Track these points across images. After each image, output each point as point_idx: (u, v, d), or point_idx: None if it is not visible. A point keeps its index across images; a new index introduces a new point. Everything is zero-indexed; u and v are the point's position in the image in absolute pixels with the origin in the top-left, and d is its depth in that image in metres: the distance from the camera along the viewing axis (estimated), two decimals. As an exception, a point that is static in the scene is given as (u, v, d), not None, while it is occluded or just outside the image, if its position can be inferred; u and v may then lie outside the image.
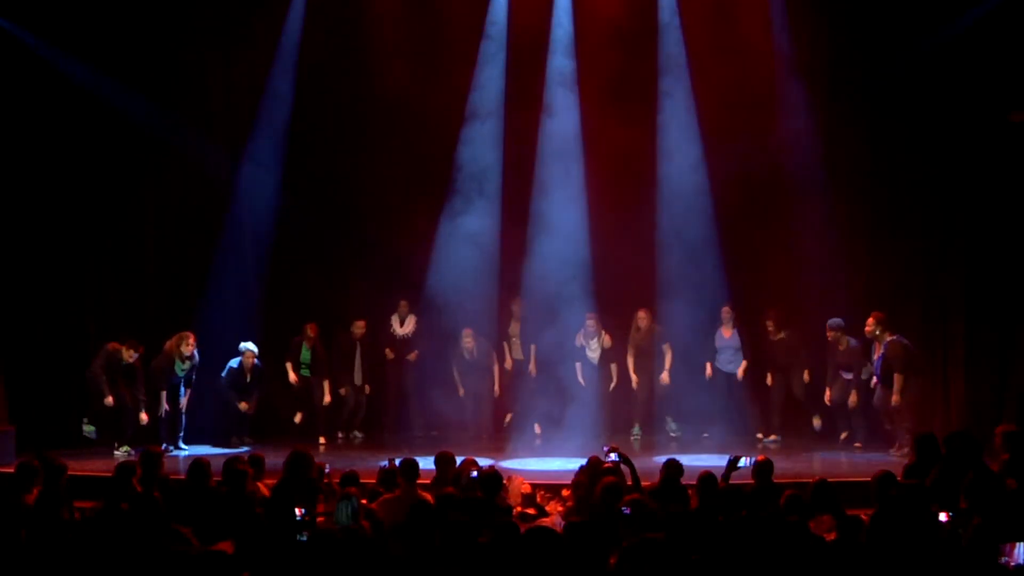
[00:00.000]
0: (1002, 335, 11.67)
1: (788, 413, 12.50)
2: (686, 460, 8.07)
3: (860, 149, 12.39)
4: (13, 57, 12.02)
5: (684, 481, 7.40)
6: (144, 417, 11.60)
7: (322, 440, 12.43)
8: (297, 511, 6.14)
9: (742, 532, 5.44)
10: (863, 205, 12.43)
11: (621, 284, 12.88)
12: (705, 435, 12.36)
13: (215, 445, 11.91)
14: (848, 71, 12.36)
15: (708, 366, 12.53)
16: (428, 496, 6.97)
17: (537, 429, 12.53)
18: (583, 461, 7.87)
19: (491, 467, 7.57)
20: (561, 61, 13.03)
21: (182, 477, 7.63)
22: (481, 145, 12.94)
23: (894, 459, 10.73)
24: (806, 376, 12.19)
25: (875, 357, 11.46)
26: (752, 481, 7.37)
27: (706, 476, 7.04)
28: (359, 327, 12.74)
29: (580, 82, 12.93)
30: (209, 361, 12.13)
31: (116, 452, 11.29)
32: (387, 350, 12.98)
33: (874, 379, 11.53)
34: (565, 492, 7.91)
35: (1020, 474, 7.22)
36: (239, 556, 5.33)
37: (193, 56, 12.82)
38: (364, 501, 6.85)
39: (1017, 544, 5.19)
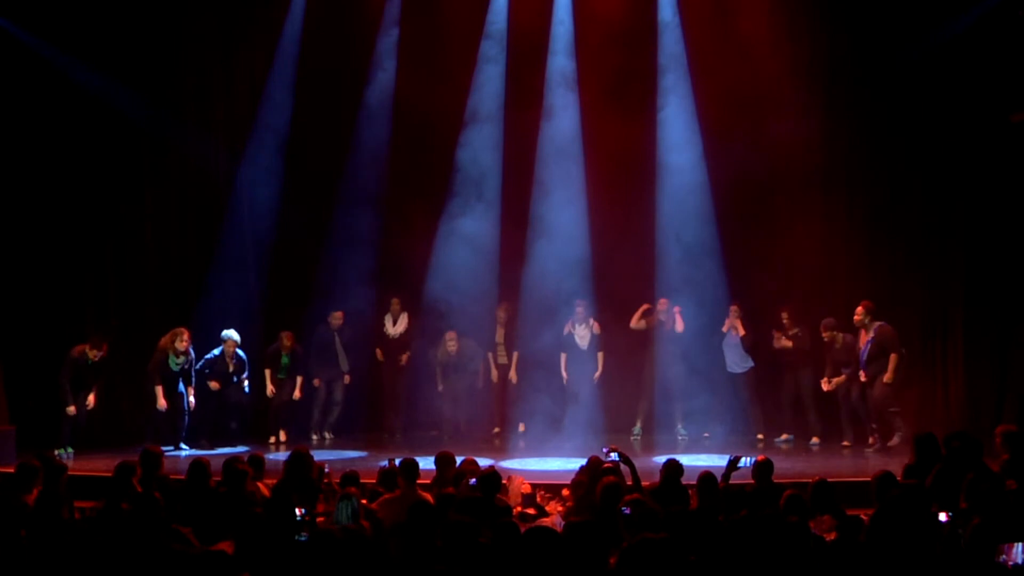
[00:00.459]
0: (1002, 335, 11.68)
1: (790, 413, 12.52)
2: (686, 460, 8.08)
3: (860, 149, 12.41)
4: (13, 57, 12.02)
5: (684, 481, 7.40)
6: (72, 410, 11.35)
7: (283, 438, 12.35)
8: (297, 511, 6.14)
9: (742, 532, 5.43)
10: (863, 205, 12.44)
11: (621, 284, 12.89)
12: (706, 435, 12.36)
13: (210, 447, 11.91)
14: (848, 71, 12.37)
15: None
16: (428, 496, 6.97)
17: (521, 428, 12.54)
18: (583, 461, 7.87)
19: (491, 467, 7.57)
20: (561, 61, 13.04)
21: (182, 477, 7.61)
22: (481, 146, 12.94)
23: (881, 452, 10.92)
24: (826, 383, 11.99)
25: (860, 347, 11.48)
26: (752, 481, 7.36)
27: (706, 476, 7.04)
28: (336, 318, 12.69)
29: (580, 82, 12.94)
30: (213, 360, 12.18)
31: (57, 451, 10.77)
32: (378, 351, 12.96)
33: (861, 373, 11.56)
34: (565, 492, 7.90)
35: (1020, 474, 7.22)
36: (239, 556, 5.32)
37: (194, 56, 12.84)
38: (364, 501, 6.85)
39: (1016, 544, 5.19)
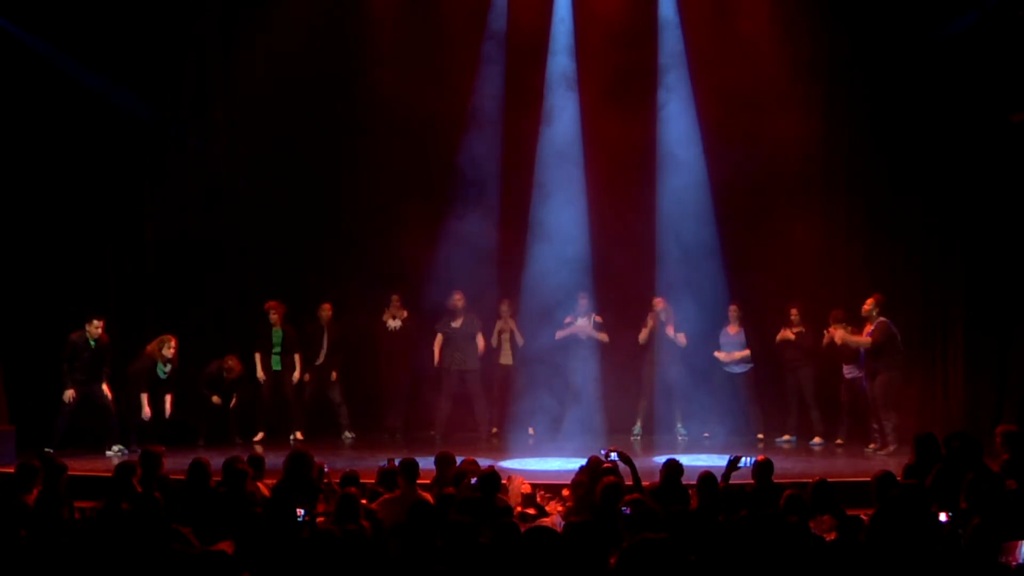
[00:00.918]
0: (1002, 335, 11.68)
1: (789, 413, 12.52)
2: (686, 460, 8.08)
3: (860, 149, 12.41)
4: (13, 57, 12.02)
5: (684, 481, 7.40)
6: (70, 394, 11.29)
7: (299, 436, 12.34)
8: (298, 511, 6.13)
9: (742, 532, 5.43)
10: (863, 205, 12.45)
11: (621, 284, 12.89)
12: (706, 435, 12.36)
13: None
14: (848, 71, 12.37)
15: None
16: (428, 496, 6.96)
17: (531, 431, 12.55)
18: (583, 461, 7.87)
19: (491, 467, 7.57)
20: (561, 61, 13.05)
21: (182, 477, 7.61)
22: (481, 147, 12.93)
23: (873, 455, 10.91)
24: (850, 385, 11.95)
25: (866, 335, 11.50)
26: (752, 481, 7.36)
27: (706, 476, 7.04)
28: (325, 310, 12.63)
29: (580, 82, 12.94)
30: (208, 361, 12.18)
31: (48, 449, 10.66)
32: (380, 346, 12.93)
33: (857, 372, 11.59)
34: (565, 492, 7.90)
35: (1020, 474, 7.22)
36: (239, 556, 5.32)
37: (194, 56, 12.84)
38: (364, 501, 6.84)
39: (1019, 544, 5.19)
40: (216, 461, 7.66)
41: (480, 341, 12.66)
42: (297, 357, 12.48)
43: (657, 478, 7.57)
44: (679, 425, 12.66)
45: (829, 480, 7.01)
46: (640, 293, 12.82)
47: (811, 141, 12.44)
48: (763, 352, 12.52)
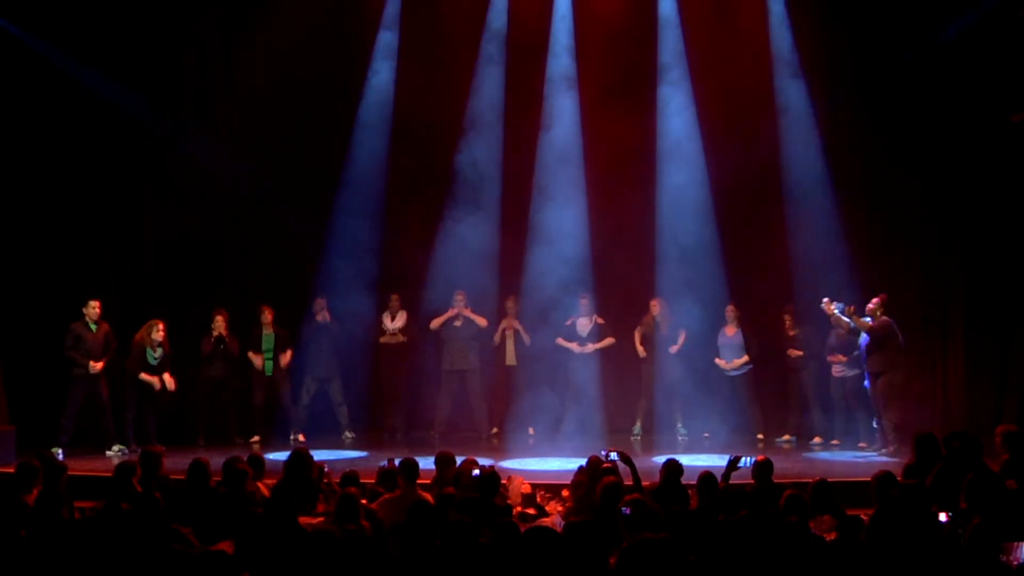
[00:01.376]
0: (1002, 335, 11.69)
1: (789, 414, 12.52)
2: (686, 460, 8.07)
3: (860, 149, 12.40)
4: (13, 57, 12.02)
5: (684, 481, 7.40)
6: (98, 366, 11.37)
7: (301, 439, 12.31)
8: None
9: (742, 532, 5.43)
10: (863, 205, 12.44)
11: (621, 284, 12.89)
12: (706, 435, 12.36)
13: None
14: (848, 71, 12.37)
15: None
16: (428, 496, 6.96)
17: (531, 431, 12.55)
18: (583, 461, 7.87)
19: (491, 467, 7.57)
20: (561, 61, 13.04)
21: (182, 477, 7.61)
22: (481, 147, 12.93)
23: (877, 458, 10.88)
24: (841, 383, 11.96)
25: (862, 340, 11.48)
26: (752, 481, 7.36)
27: (706, 476, 7.03)
28: (319, 305, 12.59)
29: (580, 82, 12.94)
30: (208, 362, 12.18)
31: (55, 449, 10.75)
32: (380, 344, 12.91)
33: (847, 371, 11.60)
34: (565, 492, 7.90)
35: (1020, 474, 7.22)
36: (239, 556, 5.32)
37: (194, 56, 12.84)
38: (364, 501, 6.84)
39: (1020, 544, 5.18)
40: (216, 461, 7.66)
41: (482, 320, 12.65)
42: (289, 352, 12.48)
43: (657, 478, 7.57)
44: (679, 425, 12.66)
45: (829, 480, 7.00)
46: (640, 293, 12.82)
47: (811, 141, 12.44)
48: (763, 352, 12.52)
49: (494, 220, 12.93)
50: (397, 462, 7.55)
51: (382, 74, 13.16)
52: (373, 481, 7.76)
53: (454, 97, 12.97)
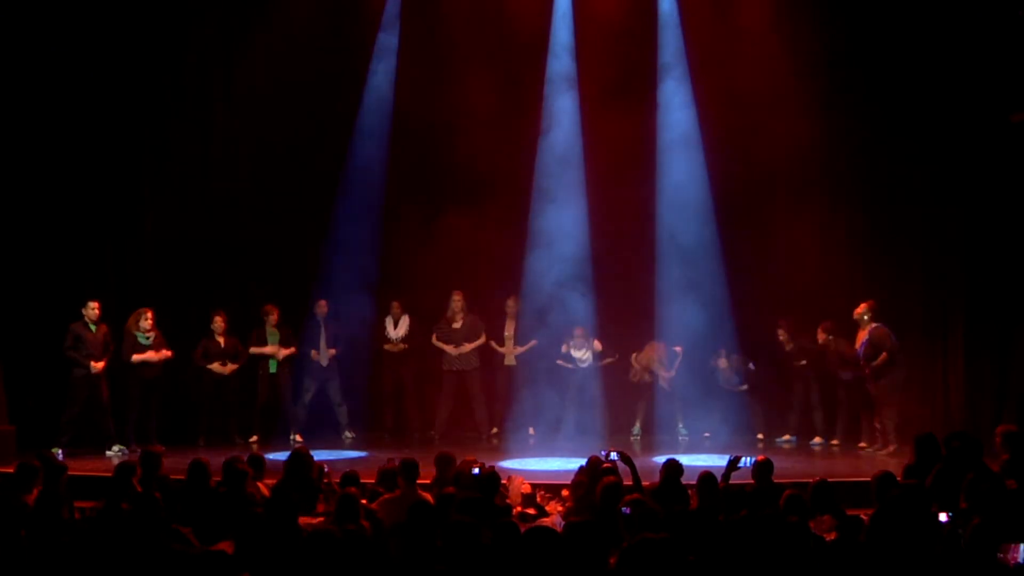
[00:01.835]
0: (1002, 335, 11.68)
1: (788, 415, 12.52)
2: (686, 460, 8.08)
3: (860, 149, 12.41)
4: (13, 56, 12.02)
5: (684, 481, 7.40)
6: (99, 366, 11.39)
7: (299, 439, 12.29)
8: None
9: (742, 532, 5.43)
10: (863, 204, 12.44)
11: (621, 285, 12.89)
12: (706, 435, 12.36)
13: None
14: (848, 71, 12.37)
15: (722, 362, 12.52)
16: (428, 496, 6.96)
17: (531, 431, 12.58)
18: (583, 461, 7.87)
19: (491, 467, 7.57)
20: (561, 61, 13.03)
21: (182, 477, 7.61)
22: (480, 147, 12.91)
23: (874, 455, 10.95)
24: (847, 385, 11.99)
25: (858, 345, 11.48)
26: (752, 481, 7.36)
27: (706, 476, 7.04)
28: (321, 306, 12.62)
29: (580, 82, 12.94)
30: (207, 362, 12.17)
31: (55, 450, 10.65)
32: (384, 349, 12.94)
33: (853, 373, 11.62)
34: (565, 492, 7.90)
35: (1020, 474, 7.22)
36: (239, 556, 5.32)
37: (194, 56, 12.84)
38: (364, 501, 6.84)
39: (1020, 544, 5.18)
40: (216, 461, 7.66)
41: (483, 339, 12.67)
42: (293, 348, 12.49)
43: (657, 478, 7.57)
44: (680, 425, 12.67)
45: (829, 480, 7.00)
46: (640, 293, 12.81)
47: (811, 141, 12.42)
48: (763, 352, 12.51)
49: (494, 220, 12.92)
50: (397, 462, 7.55)
51: (382, 75, 13.16)
52: (373, 481, 7.76)
53: (454, 97, 12.95)
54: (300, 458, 7.75)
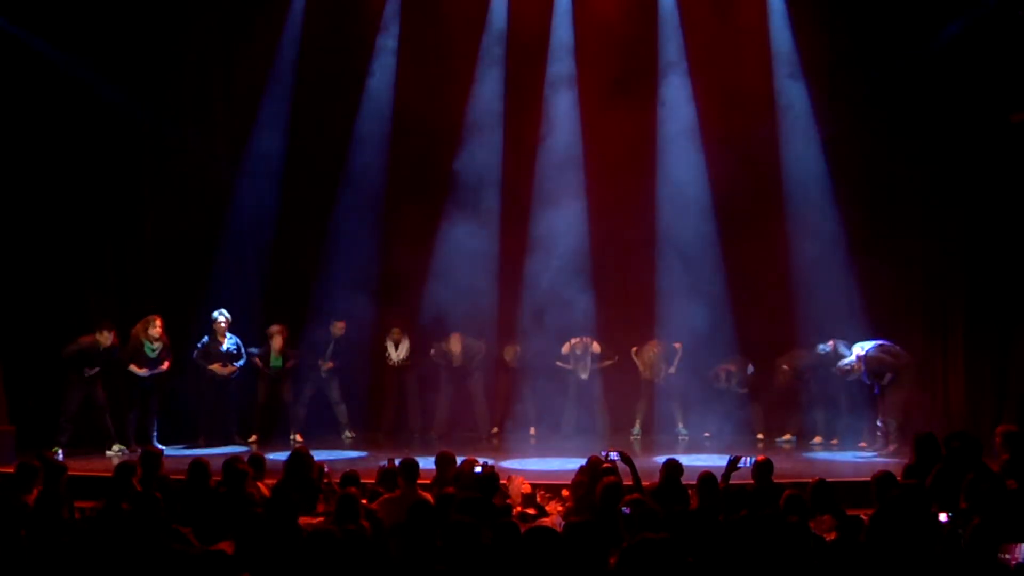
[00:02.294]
0: (1002, 336, 11.68)
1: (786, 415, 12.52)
2: (686, 460, 8.07)
3: (860, 149, 12.41)
4: (13, 56, 12.02)
5: (684, 481, 7.40)
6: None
7: (298, 439, 12.27)
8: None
9: (742, 532, 5.43)
10: (863, 205, 12.44)
11: (621, 285, 12.89)
12: (706, 435, 12.36)
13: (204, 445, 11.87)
14: (848, 72, 12.37)
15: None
16: (428, 496, 6.96)
17: (532, 431, 12.59)
18: (583, 461, 7.87)
19: (491, 467, 7.58)
20: (561, 62, 13.03)
21: (182, 477, 7.61)
22: (481, 149, 12.92)
23: (874, 455, 10.96)
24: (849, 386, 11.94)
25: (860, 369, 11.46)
26: (752, 481, 7.36)
27: (706, 476, 7.04)
28: (338, 328, 12.58)
29: (580, 83, 12.94)
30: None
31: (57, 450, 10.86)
32: (386, 377, 12.98)
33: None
34: (565, 492, 7.90)
35: (1020, 474, 7.22)
36: (239, 556, 5.32)
37: (194, 56, 12.84)
38: (364, 501, 6.84)
39: (1020, 545, 5.18)
40: (216, 461, 7.66)
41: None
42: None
43: (657, 478, 7.57)
44: (680, 425, 12.67)
45: (829, 480, 7.00)
46: (640, 293, 12.81)
47: (811, 141, 12.44)
48: (763, 354, 12.52)
49: (494, 221, 12.93)
50: (397, 462, 7.55)
51: (382, 76, 13.14)
52: (373, 481, 7.76)
53: (454, 98, 12.95)
54: (300, 458, 7.75)
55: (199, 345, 12.08)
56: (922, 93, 11.95)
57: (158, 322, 11.65)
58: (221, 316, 12.08)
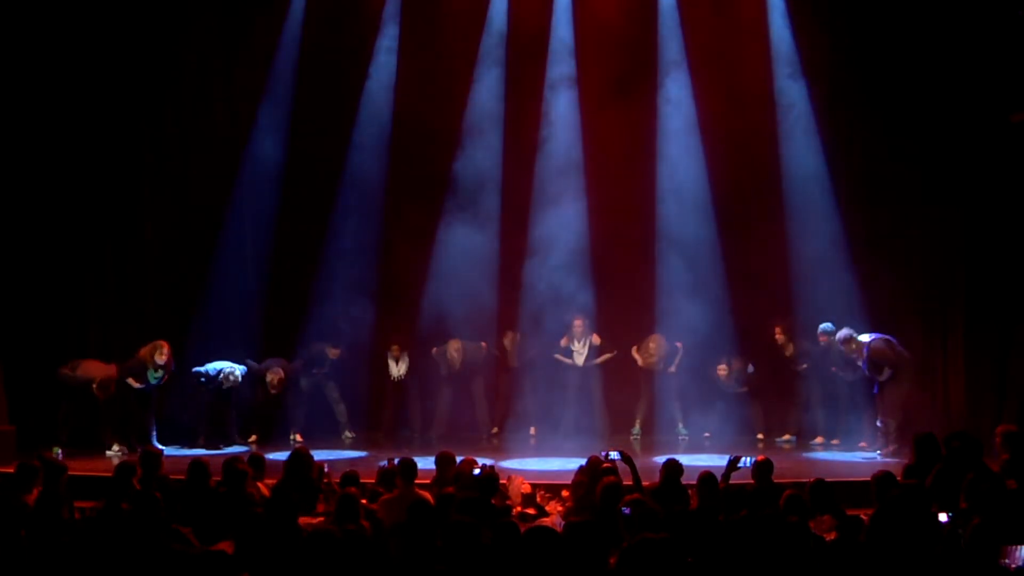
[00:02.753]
0: (1002, 335, 11.67)
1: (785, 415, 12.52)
2: (686, 460, 8.07)
3: (860, 149, 12.40)
4: (13, 57, 12.02)
5: (684, 481, 7.40)
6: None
7: (298, 439, 12.27)
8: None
9: (742, 532, 5.43)
10: (863, 205, 12.43)
11: (621, 285, 12.88)
12: (706, 435, 12.36)
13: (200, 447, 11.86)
14: (848, 71, 12.36)
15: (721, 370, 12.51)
16: (428, 496, 6.96)
17: (532, 431, 12.60)
18: (583, 461, 7.87)
19: (491, 467, 7.58)
20: (561, 62, 13.03)
21: (182, 477, 7.61)
22: (481, 150, 12.91)
23: (874, 455, 10.96)
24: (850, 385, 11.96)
25: (859, 362, 11.45)
26: (752, 481, 7.36)
27: (706, 476, 7.04)
28: (334, 352, 12.52)
29: (580, 83, 12.94)
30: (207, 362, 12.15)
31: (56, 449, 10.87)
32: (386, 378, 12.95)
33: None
34: (565, 492, 7.90)
35: (1020, 474, 7.22)
36: (239, 556, 5.32)
37: (194, 56, 12.84)
38: (364, 501, 6.85)
39: (1020, 547, 5.18)
40: (216, 461, 7.66)
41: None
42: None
43: (657, 478, 7.57)
44: (680, 425, 12.67)
45: (829, 480, 7.00)
46: (640, 293, 12.81)
47: (811, 140, 12.44)
48: (763, 354, 12.51)
49: (494, 222, 12.92)
50: (397, 462, 7.55)
51: (381, 77, 13.13)
52: (373, 481, 7.76)
53: (454, 98, 12.95)
54: (300, 458, 7.75)
55: (209, 373, 11.90)
56: (922, 93, 11.94)
57: (166, 349, 11.56)
58: (233, 375, 11.88)
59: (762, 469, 7.50)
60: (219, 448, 11.61)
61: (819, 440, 12.12)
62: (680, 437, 12.56)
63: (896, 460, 10.06)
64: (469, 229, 12.66)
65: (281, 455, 8.72)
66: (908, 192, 12.19)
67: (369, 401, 13.20)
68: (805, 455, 11.51)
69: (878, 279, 12.04)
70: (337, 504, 6.38)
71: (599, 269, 12.79)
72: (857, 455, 11.33)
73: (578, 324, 12.57)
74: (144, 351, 11.61)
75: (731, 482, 7.27)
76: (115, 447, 11.45)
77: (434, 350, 12.72)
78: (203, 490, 7.28)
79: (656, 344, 12.52)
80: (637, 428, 12.79)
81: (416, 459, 7.57)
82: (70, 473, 7.58)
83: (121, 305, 12.66)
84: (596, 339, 12.67)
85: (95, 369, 11.48)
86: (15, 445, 10.80)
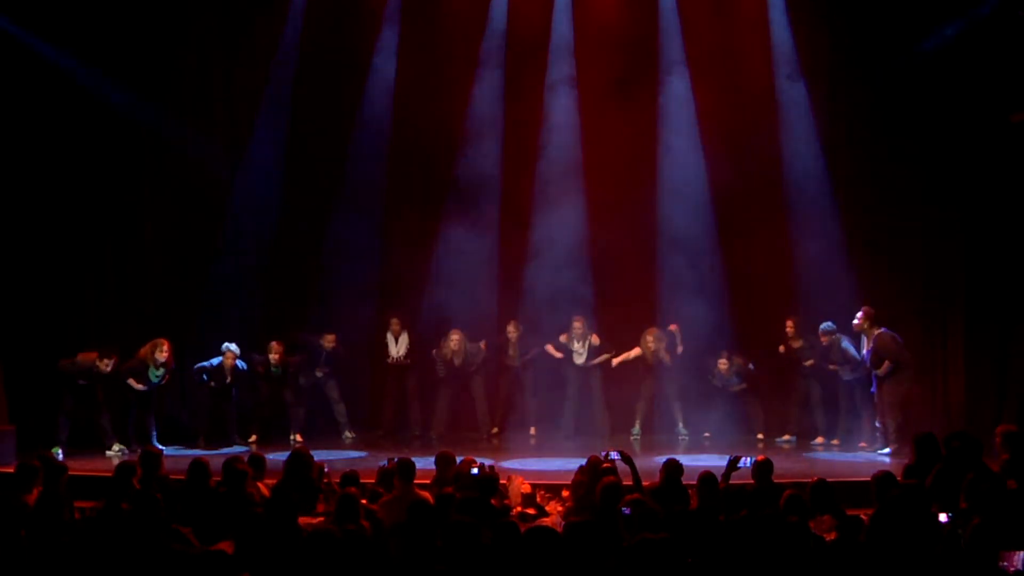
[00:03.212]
0: (1002, 335, 11.68)
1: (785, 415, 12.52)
2: (686, 460, 8.08)
3: (860, 149, 12.40)
4: (13, 57, 12.02)
5: (684, 481, 7.40)
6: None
7: (299, 439, 12.24)
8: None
9: (742, 532, 5.43)
10: (863, 205, 12.43)
11: (621, 285, 12.88)
12: (706, 435, 12.36)
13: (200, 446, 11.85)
14: (848, 72, 12.37)
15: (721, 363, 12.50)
16: (428, 496, 6.96)
17: (532, 431, 12.60)
18: (583, 461, 7.87)
19: (490, 467, 7.58)
20: (561, 63, 13.03)
21: (182, 477, 7.61)
22: (481, 150, 12.91)
23: (874, 455, 10.95)
24: (848, 386, 11.97)
25: (864, 352, 11.47)
26: (752, 481, 7.36)
27: (706, 476, 7.04)
28: (329, 340, 12.47)
29: (580, 83, 12.94)
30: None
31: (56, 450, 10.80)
32: (386, 377, 12.92)
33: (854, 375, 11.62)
34: (565, 492, 7.90)
35: (1020, 474, 7.22)
36: (239, 556, 5.32)
37: (194, 56, 12.84)
38: (364, 501, 6.84)
39: (1018, 552, 5.18)
40: (216, 461, 7.66)
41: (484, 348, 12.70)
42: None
43: (657, 478, 7.57)
44: (680, 425, 12.67)
45: (829, 480, 7.00)
46: (640, 292, 12.81)
47: (811, 141, 12.44)
48: (763, 352, 12.52)
49: (494, 222, 12.93)
50: (396, 461, 7.55)
51: (381, 77, 13.12)
52: (373, 481, 7.76)
53: (454, 99, 12.95)
54: (300, 458, 7.75)
55: (207, 365, 11.95)
56: (922, 93, 11.95)
57: (166, 346, 11.56)
58: (230, 351, 11.91)
59: (762, 469, 7.50)
60: (219, 448, 11.62)
61: (819, 440, 12.12)
62: (680, 437, 12.55)
63: (896, 460, 10.06)
64: (469, 230, 12.66)
65: (281, 455, 8.71)
66: (908, 192, 12.20)
67: (370, 401, 13.20)
68: (805, 455, 11.51)
69: (878, 279, 12.04)
70: (337, 504, 6.38)
71: (599, 269, 12.80)
72: (857, 455, 11.33)
73: (578, 324, 12.56)
74: (144, 350, 11.62)
75: (731, 482, 7.28)
76: (115, 447, 11.44)
77: (433, 352, 12.72)
78: (203, 490, 7.28)
79: (653, 336, 12.51)
80: (637, 428, 12.79)
81: (416, 459, 7.58)
82: (70, 473, 7.59)
83: (121, 304, 12.66)
84: (595, 339, 12.66)
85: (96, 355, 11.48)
86: (15, 445, 10.79)
